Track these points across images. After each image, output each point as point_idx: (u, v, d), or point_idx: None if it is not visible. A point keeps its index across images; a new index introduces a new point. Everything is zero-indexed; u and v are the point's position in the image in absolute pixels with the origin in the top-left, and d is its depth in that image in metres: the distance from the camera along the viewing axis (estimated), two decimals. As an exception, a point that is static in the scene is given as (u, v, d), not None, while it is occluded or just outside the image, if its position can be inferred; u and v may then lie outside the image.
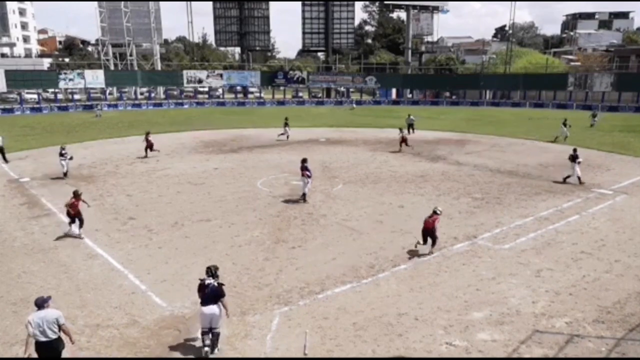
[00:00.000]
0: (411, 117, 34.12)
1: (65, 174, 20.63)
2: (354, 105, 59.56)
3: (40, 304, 7.13)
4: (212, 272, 7.99)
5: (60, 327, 7.09)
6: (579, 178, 19.16)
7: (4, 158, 23.75)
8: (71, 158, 20.95)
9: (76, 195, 13.37)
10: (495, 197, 17.56)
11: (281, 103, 63.58)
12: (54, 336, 7.00)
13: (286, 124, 32.31)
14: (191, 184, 19.60)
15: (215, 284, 7.89)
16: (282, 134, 31.95)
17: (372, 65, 73.04)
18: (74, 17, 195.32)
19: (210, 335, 7.83)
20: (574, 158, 19.31)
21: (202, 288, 7.87)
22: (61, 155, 20.60)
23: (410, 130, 32.62)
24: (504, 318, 9.04)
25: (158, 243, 13.01)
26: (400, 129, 27.89)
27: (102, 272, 11.18)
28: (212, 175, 21.27)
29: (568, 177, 19.52)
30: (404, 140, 27.13)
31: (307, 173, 16.83)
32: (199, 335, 8.40)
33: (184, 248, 12.62)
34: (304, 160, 17.16)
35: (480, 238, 13.27)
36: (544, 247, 12.63)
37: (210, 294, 7.80)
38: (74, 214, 13.30)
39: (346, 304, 9.58)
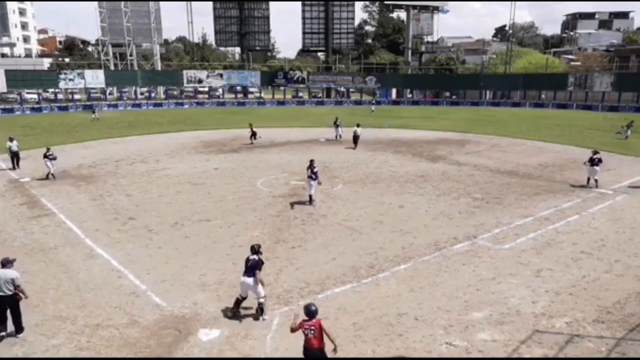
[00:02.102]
0: (338, 121, 31.53)
1: (49, 175, 20.40)
2: (374, 108, 54.73)
3: (5, 263, 8.41)
4: (255, 249, 9.22)
5: (15, 287, 8.29)
6: (596, 180, 18.66)
7: (17, 163, 22.62)
8: (54, 158, 20.67)
9: (311, 314, 6.99)
10: (495, 197, 17.56)
11: (281, 103, 63.61)
12: (8, 292, 8.24)
13: (336, 124, 31.48)
14: (191, 184, 19.61)
15: (256, 257, 9.07)
16: (338, 135, 31.12)
17: (372, 65, 73.01)
18: (74, 17, 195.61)
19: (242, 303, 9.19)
20: (598, 161, 18.47)
21: (247, 262, 9.13)
22: (45, 156, 20.46)
23: (338, 135, 31.12)
24: (504, 318, 9.04)
25: (158, 243, 13.01)
26: (251, 124, 30.67)
27: (102, 272, 11.18)
28: (212, 175, 21.27)
29: (589, 180, 18.85)
30: (253, 135, 29.87)
31: (313, 176, 16.33)
32: (200, 336, 8.39)
33: (184, 248, 12.63)
34: (311, 162, 16.72)
35: (480, 238, 13.27)
36: (544, 247, 12.63)
37: (250, 266, 9.02)
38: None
39: (346, 304, 9.58)
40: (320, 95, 72.98)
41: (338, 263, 11.58)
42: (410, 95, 69.77)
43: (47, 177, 20.39)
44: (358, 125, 29.01)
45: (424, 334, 8.53)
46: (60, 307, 9.51)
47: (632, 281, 10.58)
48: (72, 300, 9.80)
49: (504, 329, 8.66)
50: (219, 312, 9.29)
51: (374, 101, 60.64)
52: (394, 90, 69.69)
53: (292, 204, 16.60)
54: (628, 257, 11.92)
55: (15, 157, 22.62)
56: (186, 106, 59.93)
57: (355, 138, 28.39)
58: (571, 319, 9.01)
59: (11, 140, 22.92)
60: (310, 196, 16.57)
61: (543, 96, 62.30)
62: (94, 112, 45.93)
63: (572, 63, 72.22)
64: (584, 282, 10.52)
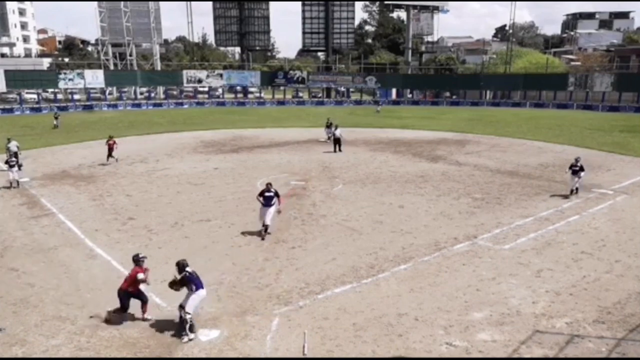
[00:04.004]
0: (329, 122, 30.67)
1: (12, 184, 18.85)
2: (379, 109, 53.12)
3: None
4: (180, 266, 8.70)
5: None
6: (577, 189, 17.47)
7: (18, 163, 21.55)
8: (20, 166, 19.17)
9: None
10: (495, 197, 17.55)
11: (281, 103, 63.61)
12: None
13: (327, 125, 30.51)
14: (191, 184, 19.60)
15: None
16: (329, 136, 29.47)
17: (372, 65, 72.94)
18: (74, 17, 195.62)
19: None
20: (580, 169, 17.21)
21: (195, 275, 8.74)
22: (6, 162, 18.99)
23: (329, 136, 29.38)
24: (504, 318, 9.03)
25: (158, 243, 13.00)
26: (110, 137, 24.10)
27: (102, 272, 11.17)
28: (212, 175, 21.27)
29: (572, 191, 17.53)
30: (110, 152, 23.52)
31: (263, 201, 13.25)
32: (200, 336, 8.42)
33: (184, 248, 12.60)
34: (267, 185, 13.54)
35: (481, 238, 13.26)
36: (544, 247, 12.61)
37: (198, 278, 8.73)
38: None
39: (346, 304, 9.56)
40: (320, 95, 72.91)
41: (338, 263, 11.57)
42: (410, 95, 69.74)
43: (10, 186, 18.82)
44: (336, 127, 27.89)
45: (424, 334, 8.52)
46: (60, 307, 9.50)
47: (633, 281, 10.57)
48: (72, 300, 9.79)
49: (504, 329, 8.65)
50: (219, 312, 9.29)
51: (380, 101, 58.67)
52: (394, 90, 69.65)
53: (292, 204, 16.56)
54: (628, 257, 11.90)
55: (14, 157, 22.39)
56: (186, 106, 59.92)
57: (336, 140, 26.97)
58: (571, 319, 9.00)
59: (9, 140, 22.80)
60: (264, 224, 13.27)
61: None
62: (56, 117, 38.71)
63: (573, 63, 72.21)
64: (584, 283, 10.51)
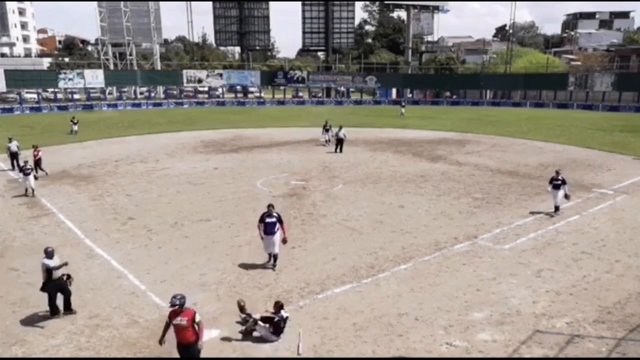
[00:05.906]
0: (328, 125, 29.80)
1: (27, 191, 17.83)
2: (404, 111, 48.84)
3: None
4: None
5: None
6: (557, 207, 15.32)
7: (18, 164, 21.00)
8: (36, 177, 18.34)
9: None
10: (495, 197, 17.54)
11: (281, 103, 63.61)
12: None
13: (326, 128, 29.70)
14: (191, 184, 19.59)
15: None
16: (327, 139, 29.10)
17: (372, 65, 72.88)
18: (74, 17, 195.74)
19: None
20: (561, 183, 15.11)
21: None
22: (22, 170, 17.94)
23: (327, 139, 29.13)
24: (504, 318, 9.02)
25: (158, 243, 12.99)
26: (34, 146, 21.61)
27: (101, 272, 11.17)
28: (212, 175, 21.26)
29: (557, 208, 15.38)
30: (36, 164, 20.72)
31: (264, 228, 11.02)
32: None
33: (184, 248, 12.61)
34: (268, 207, 11.33)
35: (481, 238, 13.25)
36: (544, 247, 12.61)
37: None
38: None
39: (346, 304, 9.56)
40: (320, 95, 72.92)
41: (338, 263, 11.56)
42: (410, 95, 69.71)
43: (25, 194, 17.83)
44: (340, 128, 27.33)
45: (424, 334, 8.51)
46: (60, 307, 9.48)
47: (633, 281, 10.56)
48: (72, 300, 9.75)
49: (504, 329, 8.65)
50: (218, 312, 9.28)
51: (404, 103, 53.78)
52: (394, 90, 69.65)
53: (292, 204, 16.56)
54: (628, 257, 11.90)
55: (14, 157, 22.29)
56: (186, 106, 59.93)
57: (340, 141, 26.75)
58: (572, 319, 8.99)
59: (10, 140, 22.75)
60: (271, 255, 11.26)
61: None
62: (75, 122, 34.87)
63: (573, 63, 72.15)
64: (584, 282, 10.50)
